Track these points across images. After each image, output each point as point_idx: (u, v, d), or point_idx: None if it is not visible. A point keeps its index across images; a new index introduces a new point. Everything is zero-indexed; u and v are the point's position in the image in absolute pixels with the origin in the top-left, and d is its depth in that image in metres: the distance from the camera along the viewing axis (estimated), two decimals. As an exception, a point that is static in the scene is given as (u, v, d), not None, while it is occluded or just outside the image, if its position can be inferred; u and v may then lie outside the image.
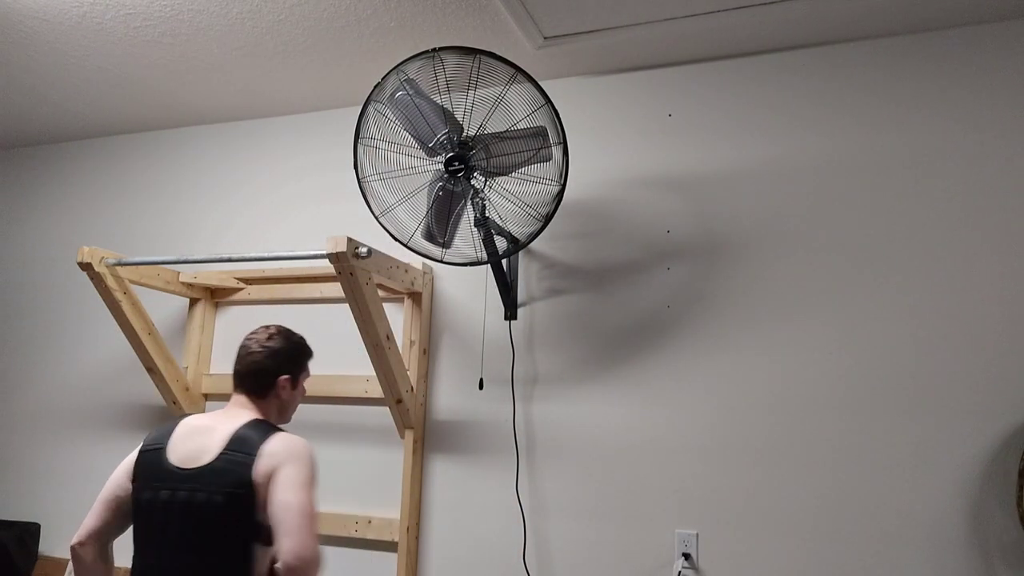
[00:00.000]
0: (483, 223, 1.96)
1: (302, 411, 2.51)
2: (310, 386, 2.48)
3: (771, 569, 1.95)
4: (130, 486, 1.66)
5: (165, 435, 1.68)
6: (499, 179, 1.95)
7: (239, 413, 1.71)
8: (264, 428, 1.65)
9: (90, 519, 1.66)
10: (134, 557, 1.62)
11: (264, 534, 1.57)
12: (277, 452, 1.59)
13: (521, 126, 1.87)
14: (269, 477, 1.56)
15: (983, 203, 1.96)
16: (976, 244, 1.94)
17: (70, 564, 1.73)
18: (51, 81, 2.56)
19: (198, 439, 1.64)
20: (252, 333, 1.79)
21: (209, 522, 1.56)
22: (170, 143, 2.95)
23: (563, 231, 2.32)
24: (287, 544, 1.47)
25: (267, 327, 1.80)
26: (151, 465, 1.64)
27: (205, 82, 2.54)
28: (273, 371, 1.74)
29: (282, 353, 1.76)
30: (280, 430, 1.67)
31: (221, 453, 1.60)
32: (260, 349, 1.74)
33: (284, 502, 1.52)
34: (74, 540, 1.64)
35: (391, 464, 2.37)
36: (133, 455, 1.70)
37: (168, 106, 2.75)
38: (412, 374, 2.33)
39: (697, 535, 2.03)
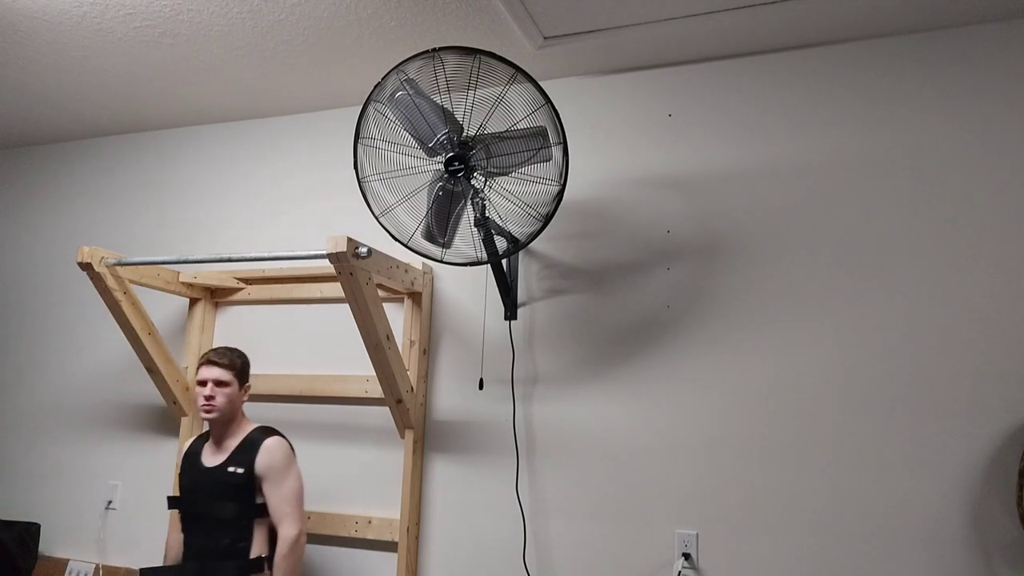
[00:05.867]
0: (483, 223, 1.96)
1: (303, 411, 2.51)
2: (311, 386, 2.48)
3: (771, 569, 1.95)
4: None
5: None
6: (499, 179, 1.95)
7: None
8: None
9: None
10: None
11: None
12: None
13: (521, 126, 1.87)
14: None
15: (983, 203, 1.96)
16: (976, 244, 1.94)
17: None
18: (51, 81, 2.56)
19: None
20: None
21: None
22: (170, 143, 2.95)
23: (563, 231, 2.32)
24: None
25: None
26: None
27: (205, 82, 2.54)
28: None
29: None
30: None
31: None
32: None
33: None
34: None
35: (391, 464, 2.37)
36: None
37: (168, 106, 2.75)
38: (412, 374, 2.33)
39: (697, 535, 2.03)
